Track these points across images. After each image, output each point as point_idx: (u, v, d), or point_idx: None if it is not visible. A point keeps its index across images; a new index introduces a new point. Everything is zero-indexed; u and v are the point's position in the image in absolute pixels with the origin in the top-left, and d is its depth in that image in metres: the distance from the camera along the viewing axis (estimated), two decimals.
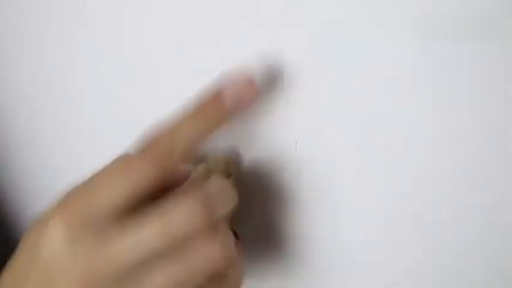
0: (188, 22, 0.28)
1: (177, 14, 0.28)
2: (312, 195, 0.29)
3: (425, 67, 0.22)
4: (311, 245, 0.30)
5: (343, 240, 0.29)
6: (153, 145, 0.24)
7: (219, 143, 0.30)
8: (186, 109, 0.25)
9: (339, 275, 0.30)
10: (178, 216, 0.22)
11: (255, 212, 0.31)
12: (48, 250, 0.22)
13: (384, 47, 0.23)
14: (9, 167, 0.43)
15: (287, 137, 0.28)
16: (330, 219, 0.28)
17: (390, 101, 0.24)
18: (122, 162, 0.23)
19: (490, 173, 0.23)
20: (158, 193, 0.23)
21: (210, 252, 0.22)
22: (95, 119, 0.36)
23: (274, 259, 0.32)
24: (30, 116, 0.40)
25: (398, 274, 0.27)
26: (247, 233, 0.31)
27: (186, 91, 0.30)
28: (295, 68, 0.26)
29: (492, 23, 0.20)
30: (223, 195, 0.24)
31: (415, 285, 0.27)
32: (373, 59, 0.24)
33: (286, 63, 0.26)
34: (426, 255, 0.26)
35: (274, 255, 0.32)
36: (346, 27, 0.24)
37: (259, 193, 0.30)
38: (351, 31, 0.24)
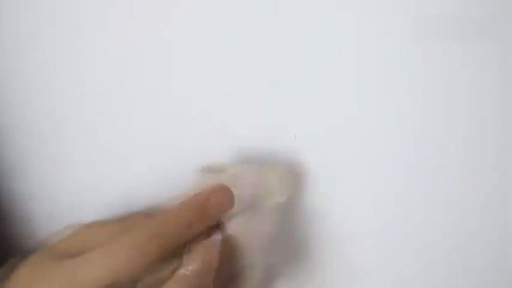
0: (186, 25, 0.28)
1: (174, 19, 0.28)
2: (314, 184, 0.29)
3: (424, 67, 0.22)
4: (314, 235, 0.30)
5: (339, 230, 0.29)
6: (135, 242, 0.26)
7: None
8: (171, 210, 0.28)
9: (341, 269, 0.30)
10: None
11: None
12: None
13: (383, 46, 0.23)
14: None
15: (287, 128, 0.28)
16: (334, 210, 0.28)
17: (389, 99, 0.24)
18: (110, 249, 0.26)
19: (489, 170, 0.23)
20: None
21: None
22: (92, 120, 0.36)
23: (281, 249, 0.32)
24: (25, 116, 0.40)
25: (401, 268, 0.28)
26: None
27: (181, 94, 0.30)
28: (293, 64, 0.26)
29: (491, 23, 0.20)
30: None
31: (417, 279, 0.27)
32: (372, 57, 0.24)
33: (285, 59, 0.26)
34: (429, 249, 0.26)
35: (281, 246, 0.32)
36: (345, 27, 0.24)
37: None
38: (350, 30, 0.24)
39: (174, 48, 0.29)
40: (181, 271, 0.27)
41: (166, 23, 0.29)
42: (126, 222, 0.30)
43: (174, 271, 0.28)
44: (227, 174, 0.30)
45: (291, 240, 0.31)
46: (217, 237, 0.30)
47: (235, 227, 0.30)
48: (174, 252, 0.28)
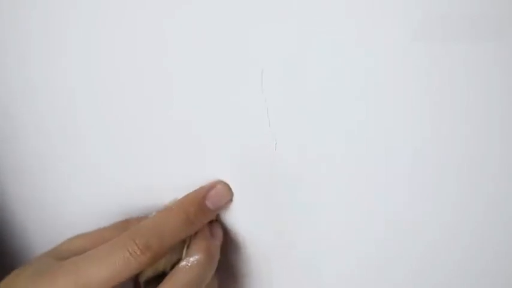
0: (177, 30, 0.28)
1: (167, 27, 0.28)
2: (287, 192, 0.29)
3: (424, 67, 0.22)
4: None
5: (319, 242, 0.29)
6: (137, 237, 0.27)
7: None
8: (171, 207, 0.28)
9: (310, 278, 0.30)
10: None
11: (237, 210, 0.31)
12: None
13: (382, 46, 0.23)
14: None
15: (267, 136, 0.27)
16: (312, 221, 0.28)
17: (388, 99, 0.24)
18: (112, 253, 0.26)
19: (489, 171, 0.23)
20: None
21: None
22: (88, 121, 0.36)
23: (263, 250, 0.32)
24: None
25: (401, 269, 0.27)
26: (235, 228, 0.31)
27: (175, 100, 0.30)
28: (289, 66, 0.26)
29: (491, 23, 0.20)
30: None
31: (418, 280, 0.27)
32: (371, 57, 0.23)
33: (282, 57, 0.26)
34: (429, 251, 0.26)
35: (262, 247, 0.32)
36: (344, 27, 0.23)
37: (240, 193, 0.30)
38: (349, 30, 0.23)
39: (161, 58, 0.29)
40: (183, 263, 0.27)
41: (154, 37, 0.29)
42: (125, 224, 0.30)
43: (173, 265, 0.29)
44: None
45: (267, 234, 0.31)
46: (218, 229, 0.30)
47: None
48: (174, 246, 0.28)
